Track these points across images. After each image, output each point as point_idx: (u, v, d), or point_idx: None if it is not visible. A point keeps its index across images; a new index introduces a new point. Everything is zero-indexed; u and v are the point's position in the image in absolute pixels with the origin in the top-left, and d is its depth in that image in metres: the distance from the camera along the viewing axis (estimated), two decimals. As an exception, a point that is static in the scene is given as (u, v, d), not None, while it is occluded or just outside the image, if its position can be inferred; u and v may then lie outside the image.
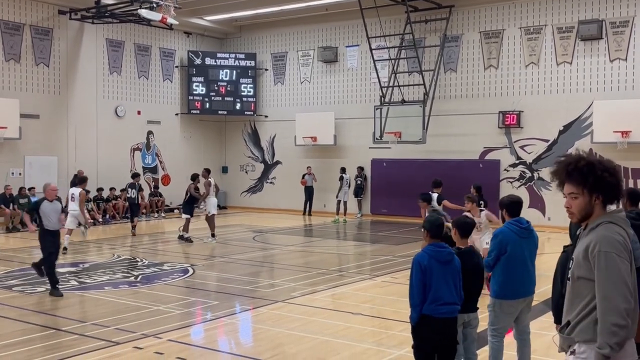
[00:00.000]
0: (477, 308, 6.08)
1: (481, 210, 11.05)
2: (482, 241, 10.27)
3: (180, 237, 16.94)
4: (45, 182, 11.70)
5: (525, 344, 6.36)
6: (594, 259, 3.26)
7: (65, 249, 14.45)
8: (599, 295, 3.24)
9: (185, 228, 16.83)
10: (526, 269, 6.18)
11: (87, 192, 18.07)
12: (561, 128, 20.39)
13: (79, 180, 16.12)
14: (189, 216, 16.94)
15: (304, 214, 24.49)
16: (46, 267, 10.45)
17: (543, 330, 8.08)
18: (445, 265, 5.51)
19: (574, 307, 3.38)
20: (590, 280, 3.30)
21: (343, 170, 23.24)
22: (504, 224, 6.27)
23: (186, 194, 17.25)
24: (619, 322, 3.16)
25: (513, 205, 6.33)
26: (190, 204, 17.12)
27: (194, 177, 17.34)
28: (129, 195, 19.03)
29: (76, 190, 15.26)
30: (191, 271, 12.69)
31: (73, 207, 15.13)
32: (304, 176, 24.47)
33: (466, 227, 5.98)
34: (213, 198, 17.28)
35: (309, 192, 24.60)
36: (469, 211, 10.47)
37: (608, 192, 3.38)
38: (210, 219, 17.06)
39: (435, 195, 12.53)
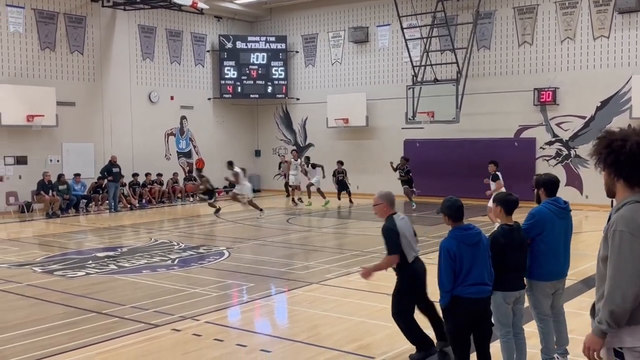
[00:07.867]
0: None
1: None
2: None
3: None
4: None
5: (561, 325, 6.28)
6: (610, 238, 3.23)
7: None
8: (608, 274, 3.21)
9: None
10: (562, 250, 6.07)
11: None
12: (598, 104, 19.95)
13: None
14: None
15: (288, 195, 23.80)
16: None
17: (581, 310, 7.97)
18: (474, 248, 5.47)
19: (599, 290, 3.34)
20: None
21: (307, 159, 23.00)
22: (542, 204, 6.09)
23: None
24: (614, 309, 3.15)
25: (551, 185, 6.12)
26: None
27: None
28: None
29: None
30: (227, 254, 12.83)
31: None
32: (280, 165, 25.07)
33: (510, 205, 5.84)
34: (247, 184, 19.17)
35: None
36: None
37: (625, 173, 3.25)
38: (251, 202, 18.89)
39: None
